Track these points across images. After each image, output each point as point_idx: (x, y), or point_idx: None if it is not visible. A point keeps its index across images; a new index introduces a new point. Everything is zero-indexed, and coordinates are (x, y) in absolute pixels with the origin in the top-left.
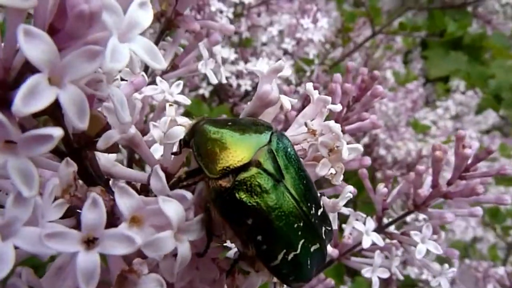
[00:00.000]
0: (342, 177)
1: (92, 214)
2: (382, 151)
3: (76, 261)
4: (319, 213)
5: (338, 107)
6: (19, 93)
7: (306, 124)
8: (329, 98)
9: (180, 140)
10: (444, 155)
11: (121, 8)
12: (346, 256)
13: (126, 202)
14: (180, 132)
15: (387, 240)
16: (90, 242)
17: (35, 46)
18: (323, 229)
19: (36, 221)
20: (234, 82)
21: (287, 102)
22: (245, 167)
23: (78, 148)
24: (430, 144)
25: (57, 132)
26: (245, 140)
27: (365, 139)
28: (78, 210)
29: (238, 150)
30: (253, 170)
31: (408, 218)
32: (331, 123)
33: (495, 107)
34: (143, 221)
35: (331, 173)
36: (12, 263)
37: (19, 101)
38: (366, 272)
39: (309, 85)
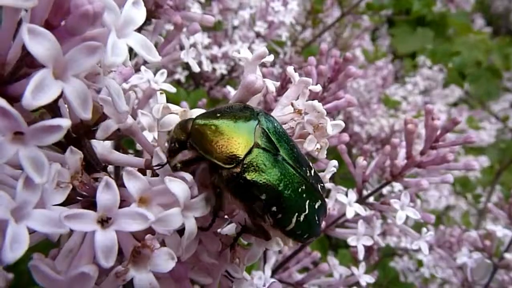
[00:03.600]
0: (326, 152)
1: (107, 195)
2: (356, 128)
3: (95, 239)
4: (312, 173)
5: (318, 88)
6: (28, 87)
7: (292, 105)
8: (310, 80)
9: (174, 143)
10: (415, 127)
11: (118, 7)
12: (331, 228)
13: (134, 184)
14: (174, 119)
15: (368, 211)
16: (104, 222)
17: (39, 43)
18: (319, 186)
19: (43, 204)
20: (209, 66)
21: (271, 85)
22: (248, 151)
23: (77, 137)
24: (402, 119)
25: (65, 122)
26: (242, 127)
27: (340, 117)
28: (78, 198)
29: (240, 138)
30: (255, 151)
31: (385, 191)
32: (315, 102)
33: (459, 83)
34: (150, 201)
35: (317, 148)
36: (27, 244)
37: (29, 95)
38: (351, 241)
39: (290, 69)
